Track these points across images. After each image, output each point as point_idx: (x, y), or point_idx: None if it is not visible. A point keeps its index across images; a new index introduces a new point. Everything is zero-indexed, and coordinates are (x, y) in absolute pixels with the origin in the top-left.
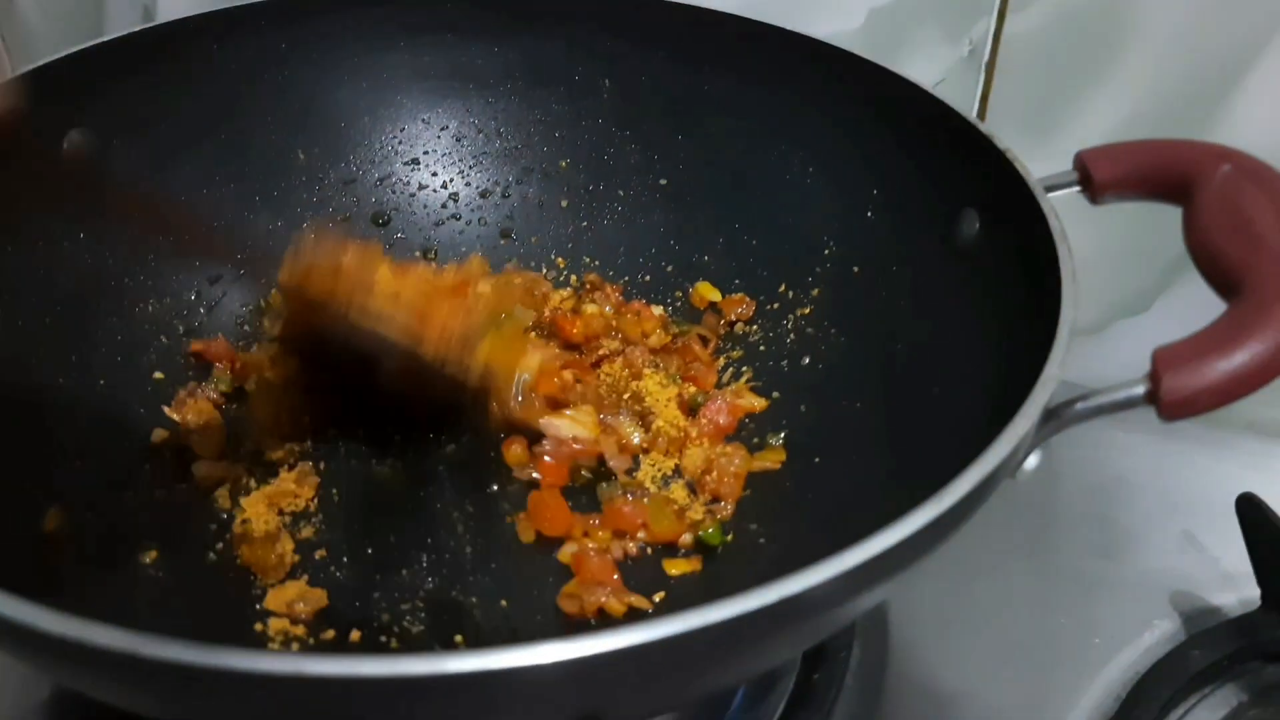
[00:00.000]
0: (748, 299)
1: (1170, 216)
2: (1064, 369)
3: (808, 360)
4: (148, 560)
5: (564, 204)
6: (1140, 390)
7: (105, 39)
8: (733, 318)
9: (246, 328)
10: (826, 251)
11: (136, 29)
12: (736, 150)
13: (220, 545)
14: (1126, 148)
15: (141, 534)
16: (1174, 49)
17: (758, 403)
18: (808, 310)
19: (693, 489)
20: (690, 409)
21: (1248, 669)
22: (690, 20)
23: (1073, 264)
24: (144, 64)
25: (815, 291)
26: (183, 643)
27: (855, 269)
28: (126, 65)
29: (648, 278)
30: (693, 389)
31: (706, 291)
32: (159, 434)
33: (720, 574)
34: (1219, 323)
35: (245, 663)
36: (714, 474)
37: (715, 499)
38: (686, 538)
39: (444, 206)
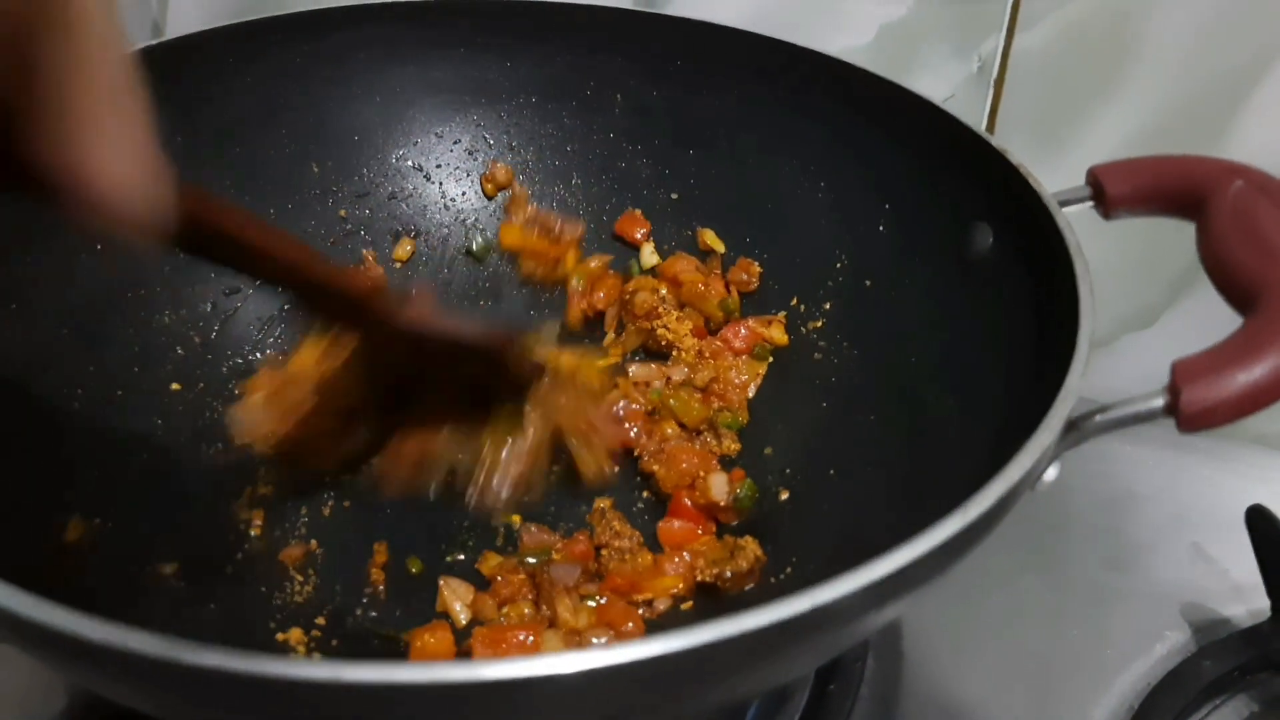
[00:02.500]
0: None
1: (1175, 232)
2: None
3: (820, 373)
4: (168, 571)
5: (576, 217)
6: (1160, 402)
7: None
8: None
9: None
10: (838, 265)
11: (149, 44)
12: (747, 164)
13: (240, 556)
14: (1139, 163)
15: (162, 545)
16: (1181, 66)
17: (780, 337)
18: (820, 324)
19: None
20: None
21: (1259, 680)
22: (701, 36)
23: (1090, 277)
24: (156, 79)
25: (827, 305)
26: (223, 650)
27: (867, 283)
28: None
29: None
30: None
31: (712, 241)
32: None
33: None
34: (1237, 335)
35: (279, 669)
36: (720, 382)
37: (724, 407)
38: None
39: (456, 219)
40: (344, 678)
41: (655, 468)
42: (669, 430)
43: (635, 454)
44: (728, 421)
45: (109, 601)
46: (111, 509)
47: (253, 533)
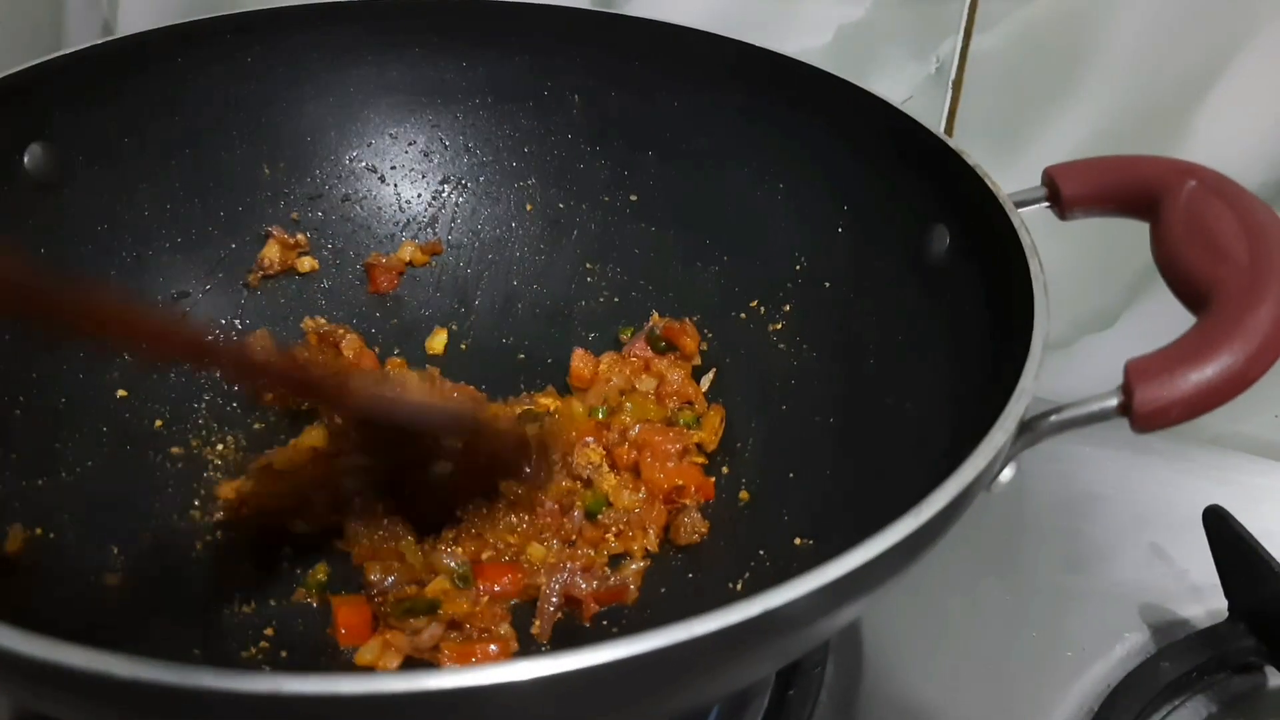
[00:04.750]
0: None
1: (1133, 234)
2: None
3: (779, 376)
4: (112, 582)
5: (533, 220)
6: (1113, 402)
7: (67, 51)
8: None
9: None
10: (798, 267)
11: (100, 42)
12: (706, 166)
13: (186, 568)
14: (1094, 164)
15: (106, 556)
16: (1137, 68)
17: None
18: (779, 326)
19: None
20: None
21: (1217, 680)
22: (658, 37)
23: (1044, 278)
24: (107, 78)
25: (787, 307)
26: (162, 664)
27: (826, 284)
28: (90, 79)
29: (617, 299)
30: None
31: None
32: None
33: (696, 589)
34: (1189, 335)
35: (223, 682)
36: (667, 385)
37: (683, 404)
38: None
39: (411, 221)
40: (284, 690)
41: (632, 455)
42: (627, 419)
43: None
44: (688, 420)
45: (50, 613)
46: (54, 519)
47: (198, 545)
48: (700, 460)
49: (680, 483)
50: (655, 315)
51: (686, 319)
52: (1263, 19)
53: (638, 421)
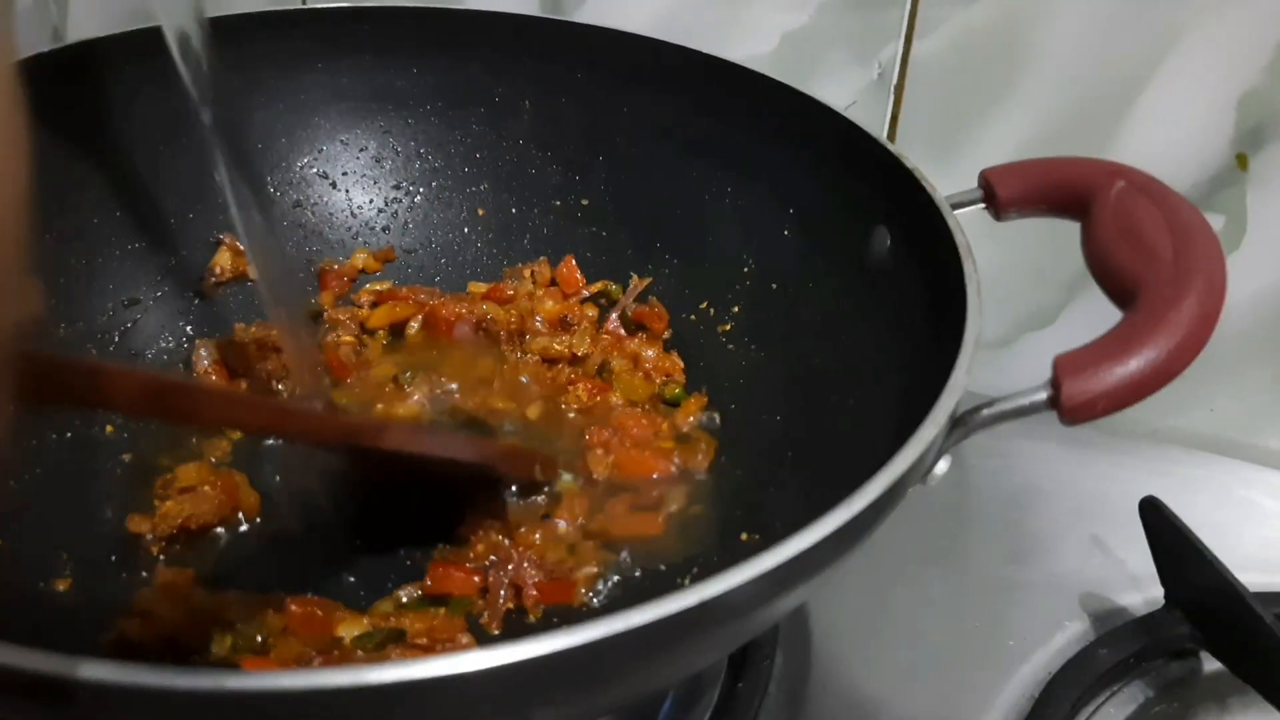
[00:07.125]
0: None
1: (1072, 234)
2: (972, 379)
3: (728, 375)
4: (61, 588)
5: (486, 225)
6: (1043, 396)
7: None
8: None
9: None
10: (746, 269)
11: (46, 49)
12: (656, 170)
13: (134, 573)
14: (1028, 166)
15: (54, 562)
16: (1070, 73)
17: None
18: (729, 326)
19: None
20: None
21: (1153, 666)
22: (607, 43)
23: (978, 277)
24: (56, 85)
25: (735, 308)
26: (106, 663)
27: (774, 286)
28: (37, 86)
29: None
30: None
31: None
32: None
33: (644, 586)
34: (1115, 331)
35: (162, 680)
36: (644, 361)
37: (669, 380)
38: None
39: (364, 228)
40: (227, 686)
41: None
42: (615, 399)
43: None
44: (675, 396)
45: None
46: (4, 526)
47: (154, 549)
48: (667, 445)
49: (649, 473)
50: (635, 278)
51: (654, 299)
52: (1189, 24)
53: (625, 399)
